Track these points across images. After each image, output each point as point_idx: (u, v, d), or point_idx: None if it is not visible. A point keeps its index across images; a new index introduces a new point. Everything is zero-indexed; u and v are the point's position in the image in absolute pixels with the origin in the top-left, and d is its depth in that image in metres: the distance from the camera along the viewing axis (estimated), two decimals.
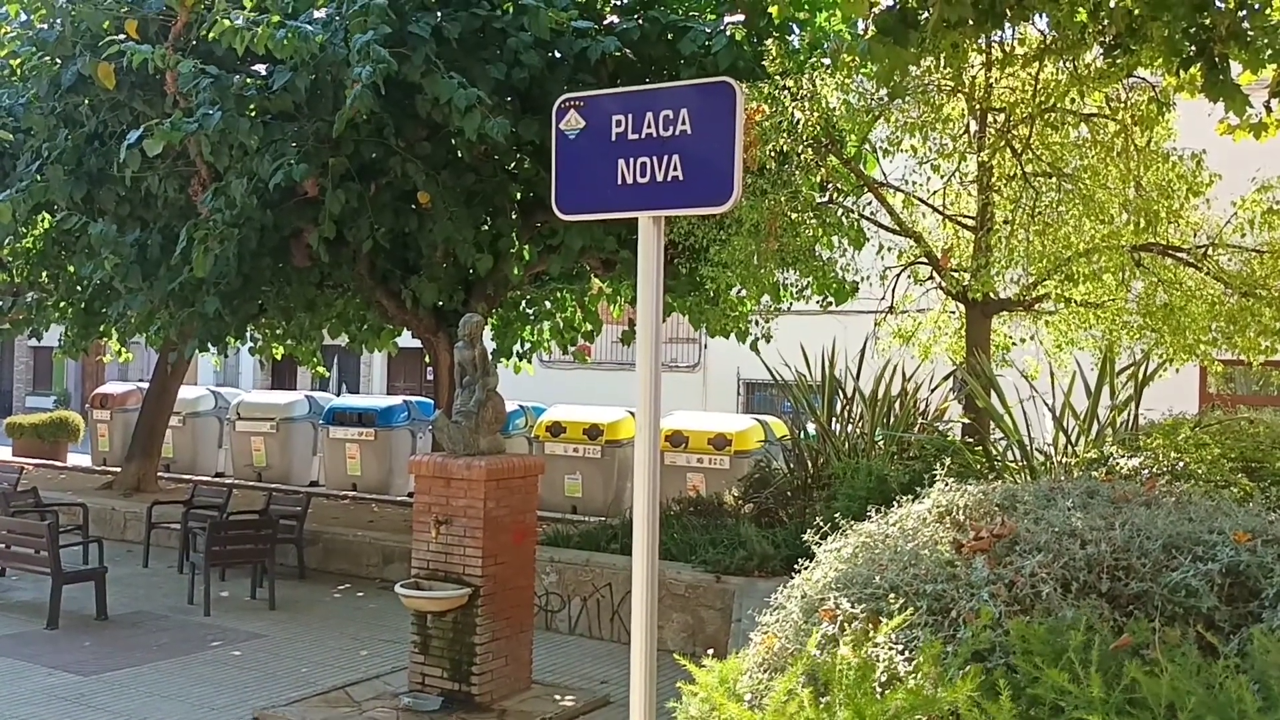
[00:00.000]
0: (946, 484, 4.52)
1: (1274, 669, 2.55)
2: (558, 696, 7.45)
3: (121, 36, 9.08)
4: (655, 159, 3.14)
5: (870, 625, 3.29)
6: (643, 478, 3.22)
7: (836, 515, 4.87)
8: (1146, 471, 6.70)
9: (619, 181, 3.21)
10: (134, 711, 7.04)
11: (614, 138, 3.22)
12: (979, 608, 3.25)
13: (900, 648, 3.21)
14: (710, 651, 3.72)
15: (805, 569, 4.19)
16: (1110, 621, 3.23)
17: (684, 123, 3.08)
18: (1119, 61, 7.58)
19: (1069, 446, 8.03)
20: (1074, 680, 2.71)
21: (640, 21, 10.11)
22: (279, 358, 17.38)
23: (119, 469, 16.77)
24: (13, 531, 10.06)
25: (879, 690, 2.99)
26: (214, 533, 10.08)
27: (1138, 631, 2.99)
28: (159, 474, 16.30)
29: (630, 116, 3.18)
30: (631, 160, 3.18)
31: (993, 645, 3.13)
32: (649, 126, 3.15)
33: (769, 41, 9.52)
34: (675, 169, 3.10)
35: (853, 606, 3.45)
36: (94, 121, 10.46)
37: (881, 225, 9.99)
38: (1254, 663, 2.66)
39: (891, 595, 3.44)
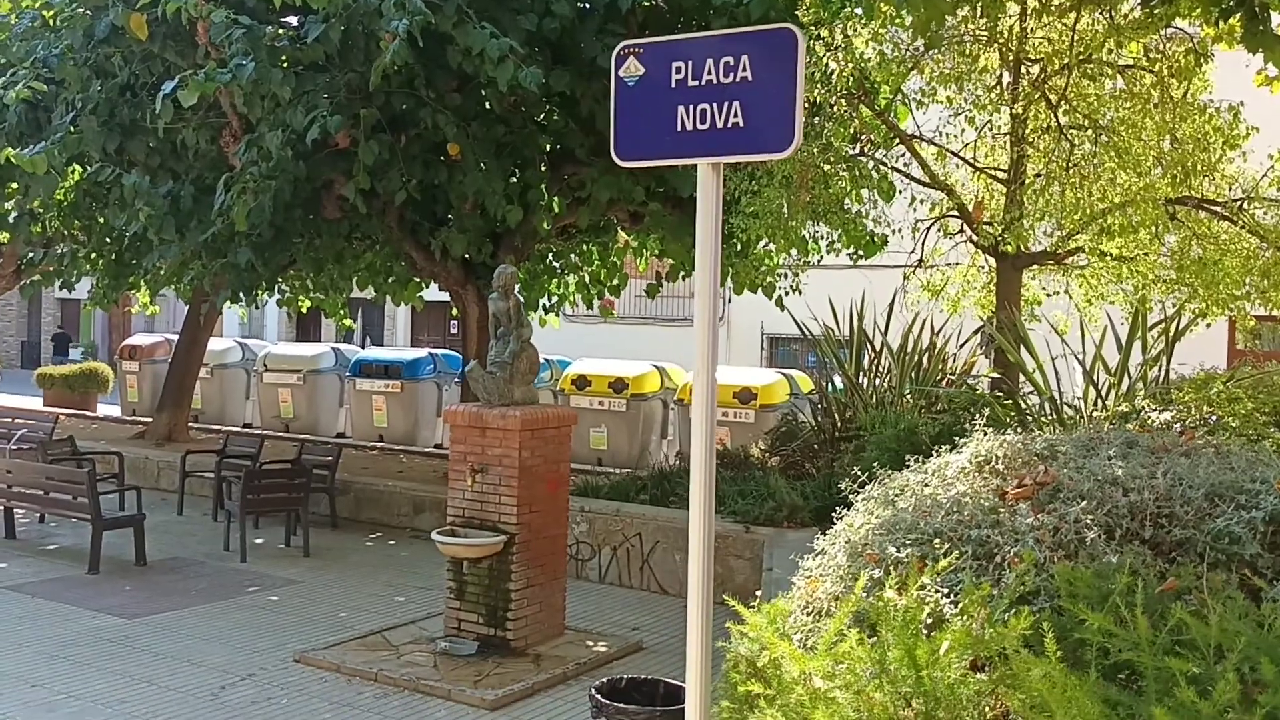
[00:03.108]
0: (985, 434, 4.57)
1: None
2: (590, 642, 7.58)
3: None
4: (715, 105, 3.15)
5: (916, 569, 3.35)
6: (700, 426, 3.27)
7: (874, 464, 4.93)
8: (1178, 425, 6.72)
9: (678, 128, 3.23)
10: (178, 653, 7.21)
11: (673, 84, 3.23)
12: (1023, 552, 3.30)
13: (945, 591, 3.28)
14: (758, 593, 3.79)
15: (846, 516, 4.26)
16: (1154, 568, 3.28)
17: (745, 69, 3.09)
18: (1157, 11, 7.48)
19: (1099, 401, 8.04)
20: (1120, 623, 2.76)
21: None
22: (305, 310, 17.53)
23: (149, 419, 17.00)
24: (52, 479, 10.24)
25: (925, 632, 3.06)
26: (249, 481, 10.23)
27: (1183, 576, 3.04)
28: (189, 424, 16.51)
29: (690, 63, 3.19)
30: (691, 107, 3.20)
31: (1038, 589, 3.19)
32: (709, 73, 3.15)
33: None
34: (736, 115, 3.11)
35: (898, 551, 3.52)
36: (126, 73, 10.47)
37: (913, 178, 9.95)
38: None
39: (937, 540, 3.50)
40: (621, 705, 4.06)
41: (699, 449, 3.17)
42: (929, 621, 3.14)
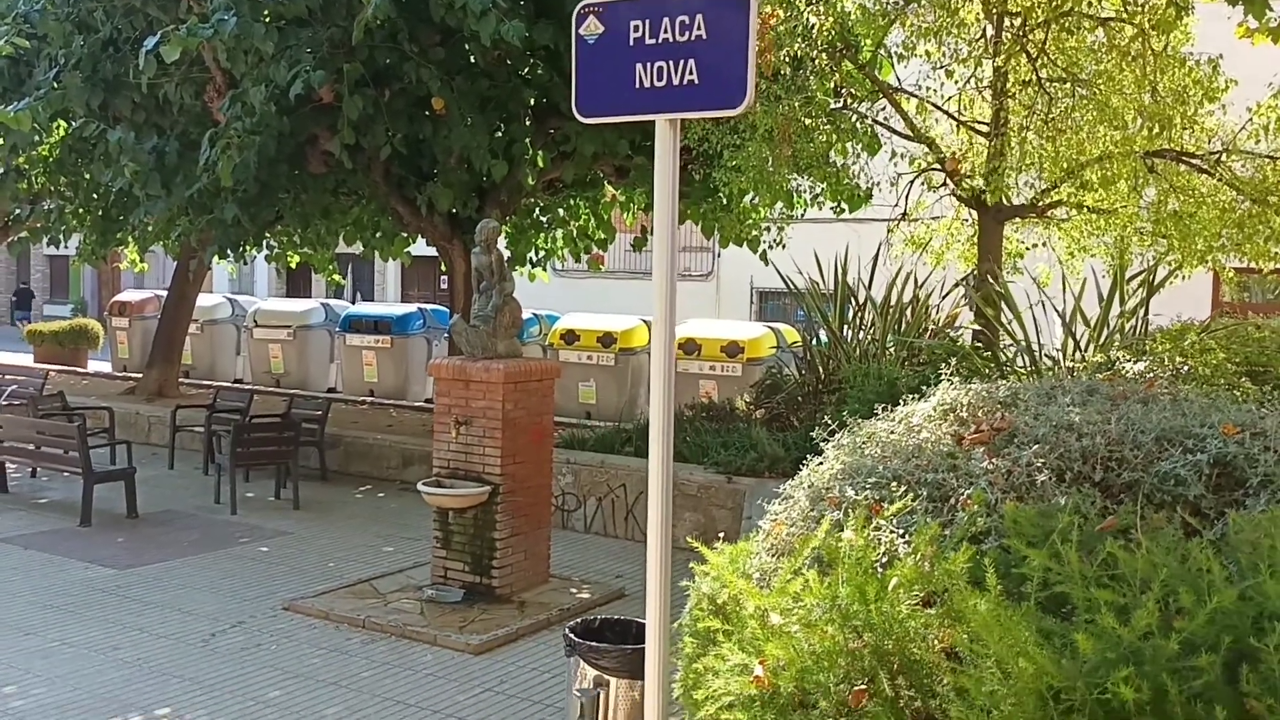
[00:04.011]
0: (952, 383, 4.67)
1: (1245, 545, 2.73)
2: (574, 590, 7.74)
3: None
4: (672, 63, 3.25)
5: (873, 511, 3.47)
6: (659, 381, 3.38)
7: (845, 415, 5.04)
8: (1151, 374, 6.84)
9: (637, 85, 3.32)
10: (170, 602, 7.36)
11: (632, 42, 3.33)
12: (974, 494, 3.42)
13: (900, 531, 3.41)
14: (722, 534, 3.92)
15: (813, 463, 4.38)
16: (1101, 508, 3.40)
17: (699, 28, 3.18)
18: None
19: (1077, 351, 8.17)
20: (1058, 558, 2.88)
21: None
22: (294, 265, 17.56)
23: (139, 375, 17.09)
24: (43, 433, 10.36)
25: (879, 569, 3.19)
26: (239, 435, 10.35)
27: (1123, 515, 3.16)
28: (179, 380, 16.60)
29: (648, 22, 3.28)
30: (649, 64, 3.29)
31: (988, 529, 3.32)
32: (666, 31, 3.25)
33: None
34: (691, 73, 3.21)
35: (857, 494, 3.64)
36: (108, 28, 10.45)
37: (895, 131, 9.99)
38: (1230, 542, 2.84)
39: (894, 484, 3.62)
40: (593, 643, 4.21)
41: (658, 397, 3.28)
42: (884, 560, 3.27)
